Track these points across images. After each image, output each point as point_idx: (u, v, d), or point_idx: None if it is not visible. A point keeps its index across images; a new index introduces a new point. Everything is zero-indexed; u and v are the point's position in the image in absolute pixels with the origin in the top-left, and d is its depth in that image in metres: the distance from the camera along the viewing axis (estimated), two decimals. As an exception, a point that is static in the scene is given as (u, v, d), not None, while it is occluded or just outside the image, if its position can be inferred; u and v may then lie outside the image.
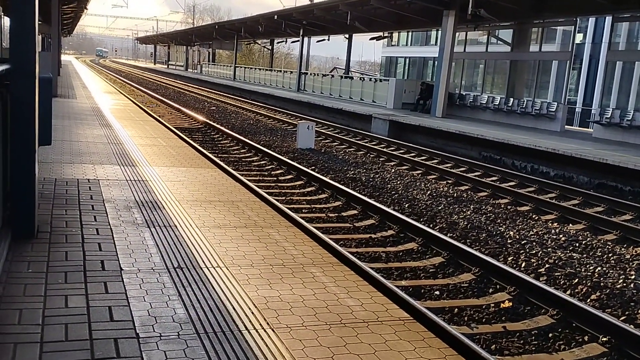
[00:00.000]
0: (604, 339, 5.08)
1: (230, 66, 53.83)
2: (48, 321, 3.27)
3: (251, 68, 51.22)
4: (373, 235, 7.96)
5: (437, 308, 5.60)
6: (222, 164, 11.66)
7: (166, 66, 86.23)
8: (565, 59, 22.96)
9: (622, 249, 8.30)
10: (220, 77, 53.18)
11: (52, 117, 5.46)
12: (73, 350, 2.99)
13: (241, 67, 52.71)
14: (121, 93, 26.87)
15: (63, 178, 6.96)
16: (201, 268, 4.33)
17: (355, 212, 9.09)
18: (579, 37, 34.82)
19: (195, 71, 67.46)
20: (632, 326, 5.37)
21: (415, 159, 15.15)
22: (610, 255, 7.93)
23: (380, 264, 6.83)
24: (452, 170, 13.90)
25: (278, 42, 51.08)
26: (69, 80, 29.99)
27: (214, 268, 4.36)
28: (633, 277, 7.01)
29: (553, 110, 20.98)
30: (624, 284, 6.69)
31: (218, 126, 18.49)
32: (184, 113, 22.70)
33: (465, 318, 5.53)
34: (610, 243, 8.60)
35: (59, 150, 8.88)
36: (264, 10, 38.84)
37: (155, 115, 18.62)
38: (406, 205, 9.90)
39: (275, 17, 35.01)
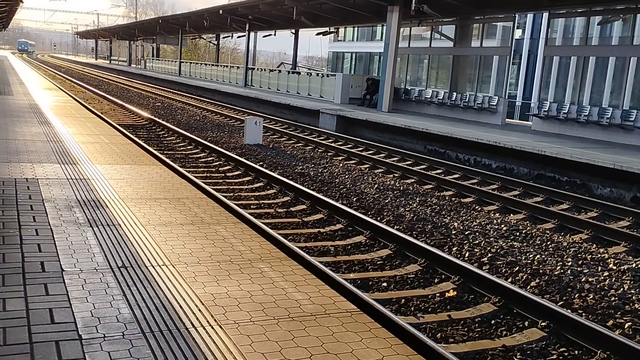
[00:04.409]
0: (543, 323, 5.29)
1: (175, 61, 52.88)
2: (-16, 326, 3.15)
3: (197, 63, 50.41)
4: (322, 230, 8.01)
5: (384, 299, 5.70)
6: (168, 161, 11.46)
7: (108, 61, 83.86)
8: (505, 54, 23.67)
9: (560, 237, 8.65)
10: (165, 73, 52.13)
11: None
12: (12, 354, 2.90)
13: (186, 62, 51.83)
14: (61, 89, 25.98)
15: (-1, 178, 6.69)
16: (146, 267, 4.27)
17: (304, 207, 9.12)
18: (518, 33, 36.00)
19: (139, 67, 65.88)
20: (569, 311, 5.62)
21: (363, 154, 15.31)
22: (548, 243, 8.26)
23: (328, 257, 6.89)
24: (398, 164, 14.12)
25: (224, 37, 50.57)
26: (5, 76, 28.78)
27: (160, 266, 4.30)
28: (570, 263, 7.32)
29: (494, 104, 21.60)
30: (562, 271, 6.98)
31: (163, 122, 18.15)
32: (127, 109, 22.16)
33: (412, 308, 5.65)
34: (548, 232, 8.95)
35: (-5, 149, 8.53)
36: (209, 5, 38.30)
37: (97, 112, 18.11)
38: (354, 199, 10.00)
39: (221, 11, 34.60)
